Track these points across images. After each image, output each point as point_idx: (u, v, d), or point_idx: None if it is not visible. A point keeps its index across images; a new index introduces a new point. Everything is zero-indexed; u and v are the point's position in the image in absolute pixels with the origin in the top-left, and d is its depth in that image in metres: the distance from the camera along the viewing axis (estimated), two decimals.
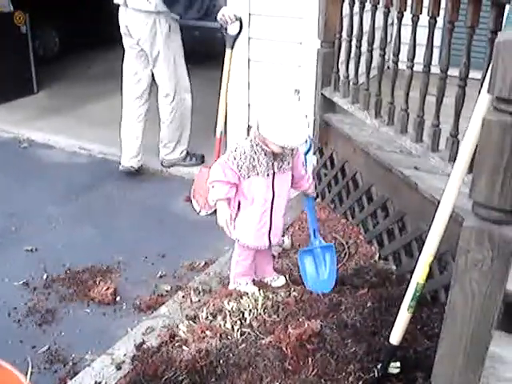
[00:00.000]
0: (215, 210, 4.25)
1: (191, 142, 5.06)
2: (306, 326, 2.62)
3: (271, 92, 4.29)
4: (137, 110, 4.79)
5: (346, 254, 3.53)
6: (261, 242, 3.03)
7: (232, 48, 4.21)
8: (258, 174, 2.84)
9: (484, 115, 1.45)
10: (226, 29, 4.24)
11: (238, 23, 4.21)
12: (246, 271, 3.19)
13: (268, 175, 2.86)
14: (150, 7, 4.28)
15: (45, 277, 3.53)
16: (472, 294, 1.56)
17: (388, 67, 3.48)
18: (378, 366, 2.45)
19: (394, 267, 3.34)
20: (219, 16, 4.20)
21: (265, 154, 2.81)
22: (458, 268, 1.55)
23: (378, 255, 3.49)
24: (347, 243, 3.58)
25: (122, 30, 4.55)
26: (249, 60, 4.36)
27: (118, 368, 2.70)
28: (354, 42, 3.53)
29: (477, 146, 1.50)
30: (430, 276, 2.87)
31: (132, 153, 4.87)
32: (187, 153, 4.99)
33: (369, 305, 2.86)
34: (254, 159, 2.81)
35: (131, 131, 4.84)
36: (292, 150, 2.86)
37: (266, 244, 3.04)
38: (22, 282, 3.47)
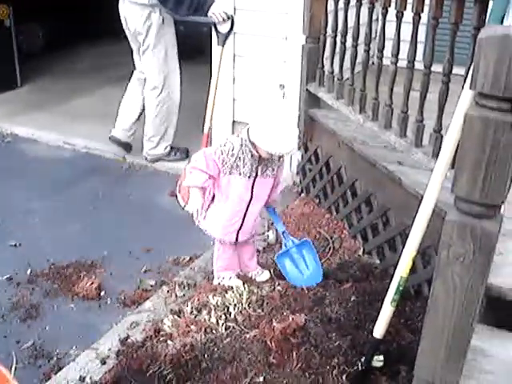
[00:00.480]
0: None
1: (178, 137, 5.05)
2: (291, 320, 2.64)
3: (264, 98, 4.27)
4: (138, 87, 4.82)
5: (330, 248, 3.55)
6: (227, 237, 3.07)
7: (223, 45, 4.21)
8: (240, 173, 2.85)
9: (466, 110, 1.47)
10: (215, 26, 4.24)
11: (229, 21, 4.21)
12: (228, 265, 3.20)
13: (249, 177, 2.87)
14: (145, 0, 4.30)
15: (29, 272, 3.51)
16: (454, 287, 1.58)
17: (373, 63, 3.50)
18: (362, 360, 2.47)
19: (377, 261, 3.37)
20: (210, 13, 4.20)
21: (251, 156, 2.82)
22: (441, 261, 1.57)
23: (362, 250, 3.51)
24: (331, 238, 3.60)
25: (123, 23, 4.60)
26: (234, 55, 4.36)
27: (103, 363, 2.70)
28: (338, 38, 3.55)
29: (459, 141, 1.52)
30: (413, 270, 2.91)
31: (124, 125, 4.89)
32: (171, 148, 4.96)
33: (353, 299, 2.88)
34: (239, 159, 2.82)
35: (130, 103, 4.89)
36: (280, 157, 2.87)
37: (233, 240, 3.08)
38: (5, 277, 3.45)
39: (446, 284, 1.58)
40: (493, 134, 1.40)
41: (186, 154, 4.93)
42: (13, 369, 1.81)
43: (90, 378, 2.60)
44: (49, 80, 7.00)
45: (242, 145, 2.81)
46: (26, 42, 7.40)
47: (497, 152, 1.42)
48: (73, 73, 7.35)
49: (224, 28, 4.23)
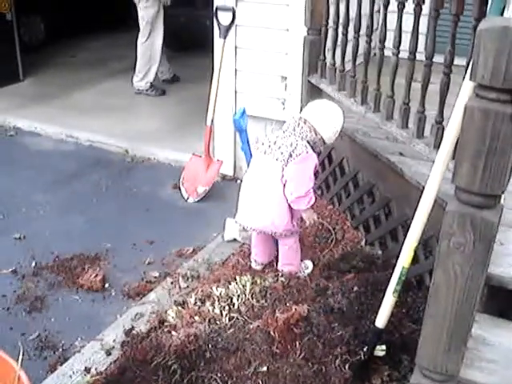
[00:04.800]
0: (203, 197, 4.35)
1: (180, 128, 5.25)
2: (294, 310, 2.66)
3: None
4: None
5: (332, 239, 3.56)
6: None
7: (225, 38, 4.21)
8: None
9: (466, 102, 1.48)
10: (217, 18, 4.24)
11: (230, 14, 4.21)
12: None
13: None
14: None
15: (33, 264, 3.54)
16: (454, 276, 1.59)
17: (374, 54, 3.50)
18: (364, 349, 2.50)
19: (380, 252, 3.39)
20: None
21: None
22: (441, 251, 1.58)
23: (364, 241, 3.53)
24: (334, 229, 3.62)
25: None
26: (236, 47, 4.35)
27: (108, 354, 2.73)
28: (340, 29, 3.54)
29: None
30: (415, 261, 2.93)
31: (136, 74, 6.37)
32: (151, 85, 6.41)
33: (355, 289, 2.90)
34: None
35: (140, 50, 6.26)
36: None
37: None
38: (10, 270, 3.48)
39: (447, 274, 1.60)
40: (492, 125, 1.42)
41: (163, 93, 6.48)
42: (19, 359, 1.83)
43: (96, 368, 2.63)
44: (51, 73, 7.01)
45: (308, 142, 2.96)
46: (28, 35, 7.40)
47: (496, 143, 1.43)
48: (75, 65, 7.37)
49: (225, 20, 4.23)
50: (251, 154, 3.63)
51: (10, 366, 1.79)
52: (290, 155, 2.90)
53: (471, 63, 1.41)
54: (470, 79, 1.44)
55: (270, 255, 3.34)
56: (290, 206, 2.97)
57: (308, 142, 2.96)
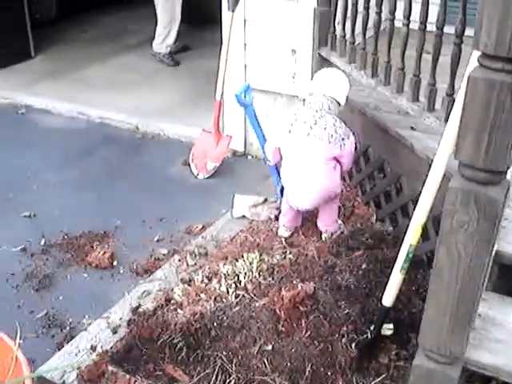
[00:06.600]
0: (213, 174, 4.31)
1: (191, 104, 5.29)
2: (300, 288, 2.63)
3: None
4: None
5: (343, 215, 3.51)
6: None
7: (233, 11, 4.12)
8: None
9: (469, 72, 1.41)
10: None
11: None
12: None
13: None
14: None
15: (42, 242, 3.54)
16: (458, 255, 1.53)
17: (384, 28, 3.40)
18: (371, 328, 2.46)
19: (390, 228, 3.33)
20: None
21: None
22: (444, 230, 1.52)
23: (375, 217, 3.47)
24: (344, 206, 3.56)
25: None
26: (245, 20, 4.27)
27: (114, 332, 2.73)
28: (350, 1, 3.44)
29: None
30: (425, 237, 2.88)
31: (156, 38, 6.41)
32: (170, 52, 6.45)
33: (364, 266, 2.85)
34: None
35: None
36: None
37: None
38: (19, 248, 3.48)
39: (450, 253, 1.54)
40: (497, 96, 1.34)
41: (177, 64, 6.48)
42: (17, 339, 1.82)
43: (101, 346, 2.62)
44: (63, 49, 6.95)
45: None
46: (39, 11, 7.33)
47: (501, 115, 1.35)
48: (87, 41, 7.30)
49: None
50: (261, 129, 3.57)
51: (8, 346, 1.78)
52: (339, 134, 3.06)
53: (474, 31, 1.33)
54: (473, 48, 1.37)
55: (298, 221, 3.45)
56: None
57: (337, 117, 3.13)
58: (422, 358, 1.77)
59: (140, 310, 2.83)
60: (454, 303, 1.60)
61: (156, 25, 6.38)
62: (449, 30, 2.65)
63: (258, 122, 3.57)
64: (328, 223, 3.34)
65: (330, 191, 3.16)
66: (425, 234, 2.87)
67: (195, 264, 3.18)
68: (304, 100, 3.16)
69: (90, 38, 7.40)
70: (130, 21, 7.90)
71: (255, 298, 2.74)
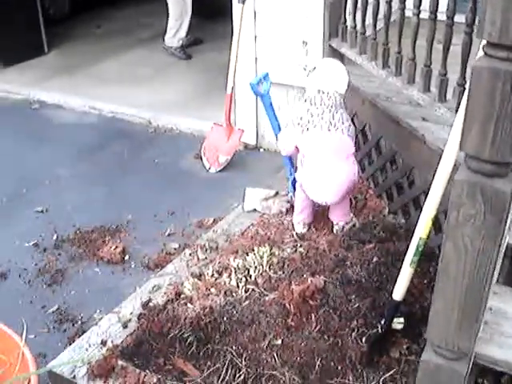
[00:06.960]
0: (224, 167, 4.30)
1: (202, 96, 5.31)
2: (310, 282, 2.61)
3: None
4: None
5: (354, 208, 3.47)
6: None
7: (243, 3, 4.09)
8: None
9: (474, 62, 1.37)
10: None
11: None
12: None
13: None
14: None
15: (55, 237, 3.56)
16: (465, 249, 1.50)
17: (395, 20, 3.36)
18: (382, 322, 2.43)
19: (403, 221, 3.29)
20: None
21: None
22: (450, 223, 1.49)
23: (387, 209, 3.43)
24: (356, 198, 3.52)
25: None
26: (255, 12, 4.24)
27: (125, 326, 2.72)
28: None
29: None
30: (437, 230, 2.84)
31: (168, 31, 6.43)
32: (182, 45, 6.44)
33: (375, 260, 2.82)
34: None
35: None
36: None
37: None
38: (32, 243, 3.50)
39: (457, 247, 1.51)
40: (502, 86, 1.30)
41: (189, 57, 6.48)
42: (23, 335, 1.82)
43: (112, 341, 2.62)
44: (76, 44, 6.97)
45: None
46: (52, 8, 7.36)
47: (507, 105, 1.32)
48: (100, 36, 7.32)
49: None
50: (276, 119, 3.52)
51: (15, 342, 1.78)
52: (351, 126, 3.16)
53: (477, 19, 1.30)
54: (477, 37, 1.33)
55: (313, 216, 3.42)
56: None
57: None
58: (429, 353, 1.74)
59: (150, 304, 2.83)
60: (461, 298, 1.57)
61: (168, 18, 6.37)
62: (459, 18, 2.61)
63: (274, 112, 3.52)
64: (340, 215, 3.31)
65: (354, 182, 3.18)
66: (437, 227, 2.84)
67: (206, 258, 3.17)
68: (314, 97, 3.09)
69: (103, 33, 7.42)
70: (142, 15, 7.90)
71: (265, 292, 2.73)
